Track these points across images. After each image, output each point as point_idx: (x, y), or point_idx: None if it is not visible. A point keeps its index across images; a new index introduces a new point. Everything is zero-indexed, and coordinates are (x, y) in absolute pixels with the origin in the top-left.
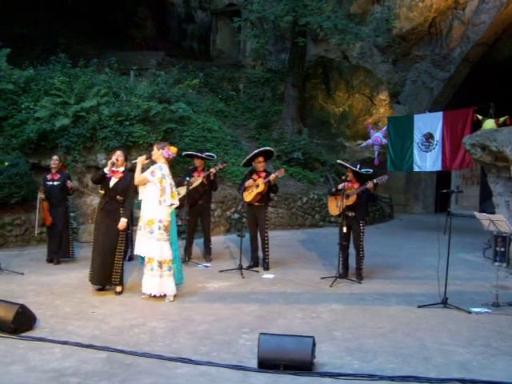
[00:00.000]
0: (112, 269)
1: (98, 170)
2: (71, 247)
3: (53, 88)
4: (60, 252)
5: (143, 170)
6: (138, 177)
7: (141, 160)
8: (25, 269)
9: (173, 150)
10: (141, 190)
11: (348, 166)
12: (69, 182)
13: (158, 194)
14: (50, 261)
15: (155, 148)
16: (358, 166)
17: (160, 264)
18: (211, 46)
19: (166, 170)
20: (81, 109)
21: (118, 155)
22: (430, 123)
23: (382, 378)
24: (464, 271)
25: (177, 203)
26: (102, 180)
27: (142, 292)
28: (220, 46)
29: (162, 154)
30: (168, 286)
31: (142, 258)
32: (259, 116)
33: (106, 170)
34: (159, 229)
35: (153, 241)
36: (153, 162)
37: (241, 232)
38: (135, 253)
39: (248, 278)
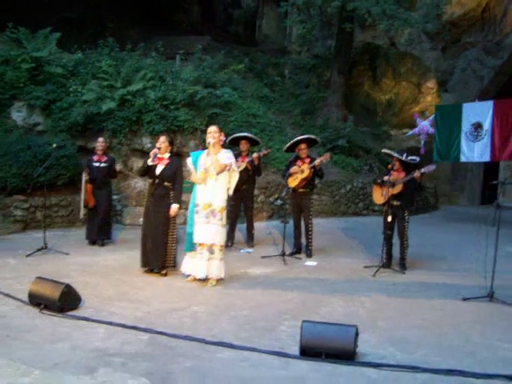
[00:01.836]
0: (164, 253)
1: (143, 162)
2: (111, 230)
3: (100, 71)
4: (102, 234)
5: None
6: (217, 165)
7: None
8: (70, 249)
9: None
10: (210, 177)
11: (394, 154)
12: (115, 166)
13: (226, 182)
14: (92, 243)
15: (218, 130)
16: (405, 155)
17: (221, 248)
18: (257, 31)
19: None
20: (127, 92)
21: (161, 142)
22: (479, 112)
23: (425, 370)
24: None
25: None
26: (147, 171)
27: (197, 276)
28: (266, 31)
29: (221, 138)
30: (223, 269)
31: (190, 246)
32: (304, 102)
33: (149, 162)
34: (225, 215)
35: (220, 227)
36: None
37: (284, 218)
38: (197, 241)
39: (290, 264)
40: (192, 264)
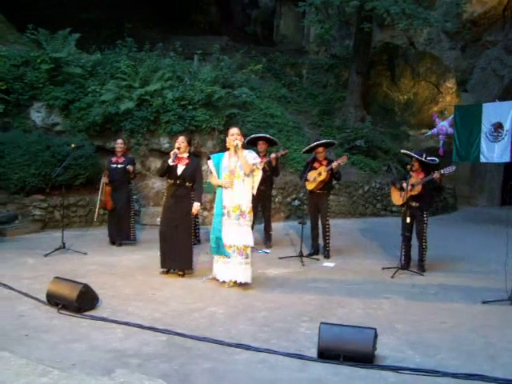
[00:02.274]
0: (187, 254)
1: (162, 162)
2: (133, 231)
3: (118, 72)
4: (122, 235)
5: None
6: (245, 165)
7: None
8: (88, 249)
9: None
10: (238, 179)
11: (413, 155)
12: (129, 166)
13: (250, 182)
14: (112, 243)
15: (239, 131)
16: (424, 155)
17: (245, 251)
18: (275, 31)
19: None
20: (145, 92)
21: (181, 142)
22: (499, 112)
23: (445, 374)
24: None
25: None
26: (168, 171)
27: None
28: (284, 31)
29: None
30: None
31: (216, 249)
32: (322, 103)
33: (170, 161)
34: (251, 216)
35: (249, 229)
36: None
37: (302, 219)
38: (228, 243)
39: (308, 265)
40: (218, 269)
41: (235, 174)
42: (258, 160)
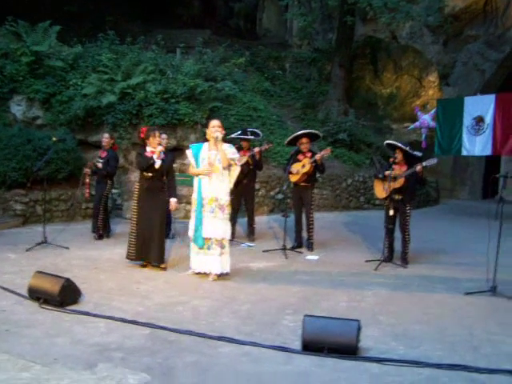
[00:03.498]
0: (161, 247)
1: (141, 157)
2: (105, 227)
3: (100, 65)
4: (95, 228)
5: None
6: (224, 158)
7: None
8: (70, 243)
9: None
10: (218, 172)
11: (399, 145)
12: (99, 163)
13: (227, 175)
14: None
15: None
16: (408, 148)
17: (227, 242)
18: (258, 25)
19: None
20: (127, 86)
21: (164, 138)
22: (481, 106)
23: (428, 365)
24: None
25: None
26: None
27: (208, 273)
28: (266, 24)
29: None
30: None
31: (198, 241)
32: (305, 96)
33: (155, 157)
34: (229, 210)
35: (227, 222)
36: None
37: (285, 212)
38: (206, 236)
39: (292, 258)
40: (199, 261)
41: (214, 166)
42: (237, 156)
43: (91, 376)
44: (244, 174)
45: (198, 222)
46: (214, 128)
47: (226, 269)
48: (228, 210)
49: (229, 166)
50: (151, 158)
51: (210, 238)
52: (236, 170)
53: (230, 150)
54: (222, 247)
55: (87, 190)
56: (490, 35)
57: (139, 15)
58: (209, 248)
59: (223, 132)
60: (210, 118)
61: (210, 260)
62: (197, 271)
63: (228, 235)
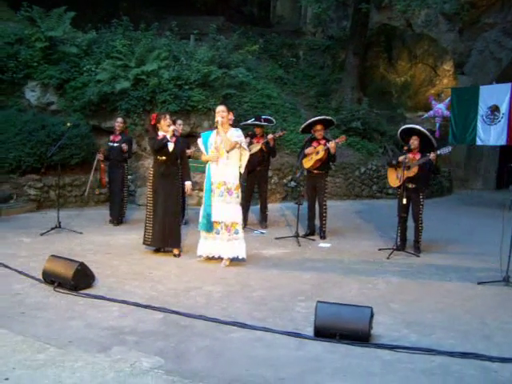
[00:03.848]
0: (174, 231)
1: (153, 139)
2: (122, 212)
3: (114, 51)
4: (113, 214)
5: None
6: (228, 143)
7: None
8: (84, 228)
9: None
10: (224, 156)
11: (420, 128)
12: (123, 144)
13: (237, 160)
14: (111, 221)
15: (227, 110)
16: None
17: (241, 227)
18: (271, 12)
19: None
20: (141, 72)
21: (178, 125)
22: (496, 95)
23: (440, 353)
24: None
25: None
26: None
27: (219, 256)
28: (280, 11)
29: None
30: (238, 249)
31: (204, 225)
32: (318, 84)
33: (168, 137)
34: (239, 193)
35: (238, 206)
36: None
37: (298, 200)
38: (215, 219)
39: (304, 246)
40: (207, 246)
41: (220, 150)
42: (242, 139)
43: (105, 358)
44: (258, 161)
45: (208, 207)
46: (219, 113)
47: (241, 254)
48: (236, 193)
49: (232, 149)
50: (164, 137)
51: (219, 223)
52: (245, 155)
53: (235, 133)
54: (236, 232)
55: (103, 176)
56: (508, 23)
57: (153, 1)
58: (218, 233)
59: (230, 116)
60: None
61: (218, 244)
62: (205, 256)
63: (239, 219)
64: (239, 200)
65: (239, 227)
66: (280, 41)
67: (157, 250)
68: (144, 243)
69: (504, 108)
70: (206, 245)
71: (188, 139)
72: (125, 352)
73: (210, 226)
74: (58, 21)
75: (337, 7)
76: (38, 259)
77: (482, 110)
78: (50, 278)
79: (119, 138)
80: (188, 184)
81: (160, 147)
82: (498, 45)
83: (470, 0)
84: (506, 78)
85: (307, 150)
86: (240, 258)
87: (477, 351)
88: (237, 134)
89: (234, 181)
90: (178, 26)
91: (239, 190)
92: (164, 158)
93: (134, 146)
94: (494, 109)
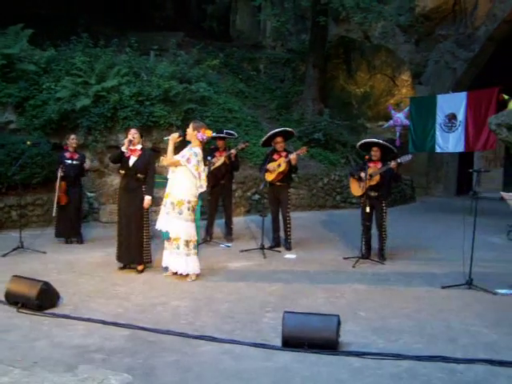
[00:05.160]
0: (139, 248)
1: (116, 150)
2: (78, 228)
3: (74, 68)
4: (71, 232)
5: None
6: (170, 157)
7: (173, 138)
8: (47, 248)
9: (208, 133)
10: (171, 169)
11: (379, 141)
12: (86, 163)
13: (192, 180)
14: (66, 241)
15: (191, 127)
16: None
17: (187, 243)
18: (231, 27)
19: (200, 155)
20: (102, 88)
21: (134, 133)
22: (453, 103)
23: (408, 357)
24: (488, 253)
25: (205, 188)
26: (121, 159)
27: (166, 269)
28: (240, 26)
29: (196, 136)
30: (194, 265)
31: (166, 234)
32: (280, 97)
33: (123, 148)
34: (188, 210)
35: (182, 221)
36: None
37: (263, 212)
38: (157, 227)
39: (270, 257)
40: (171, 260)
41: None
42: (184, 159)
43: (72, 378)
44: (222, 174)
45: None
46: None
47: (194, 269)
48: (178, 210)
49: (183, 167)
50: (119, 149)
51: (177, 238)
52: (202, 174)
53: (184, 152)
54: (177, 247)
55: (64, 196)
56: (460, 35)
57: (112, 18)
58: (178, 248)
59: (199, 134)
60: (185, 120)
61: (168, 255)
62: (170, 271)
63: (184, 236)
64: (185, 217)
65: (181, 243)
66: (240, 55)
67: (123, 267)
68: (117, 259)
69: (461, 116)
70: (168, 257)
71: (154, 153)
72: (92, 370)
73: (168, 236)
74: (15, 38)
75: (295, 21)
76: (1, 280)
77: (440, 118)
78: (13, 299)
79: (77, 155)
80: (147, 198)
81: (114, 159)
82: (452, 55)
83: (423, 13)
84: (461, 87)
85: (269, 166)
86: (191, 273)
87: (443, 354)
88: (182, 154)
89: (178, 196)
90: (138, 41)
91: (182, 206)
92: (123, 172)
93: (95, 163)
94: (452, 117)
